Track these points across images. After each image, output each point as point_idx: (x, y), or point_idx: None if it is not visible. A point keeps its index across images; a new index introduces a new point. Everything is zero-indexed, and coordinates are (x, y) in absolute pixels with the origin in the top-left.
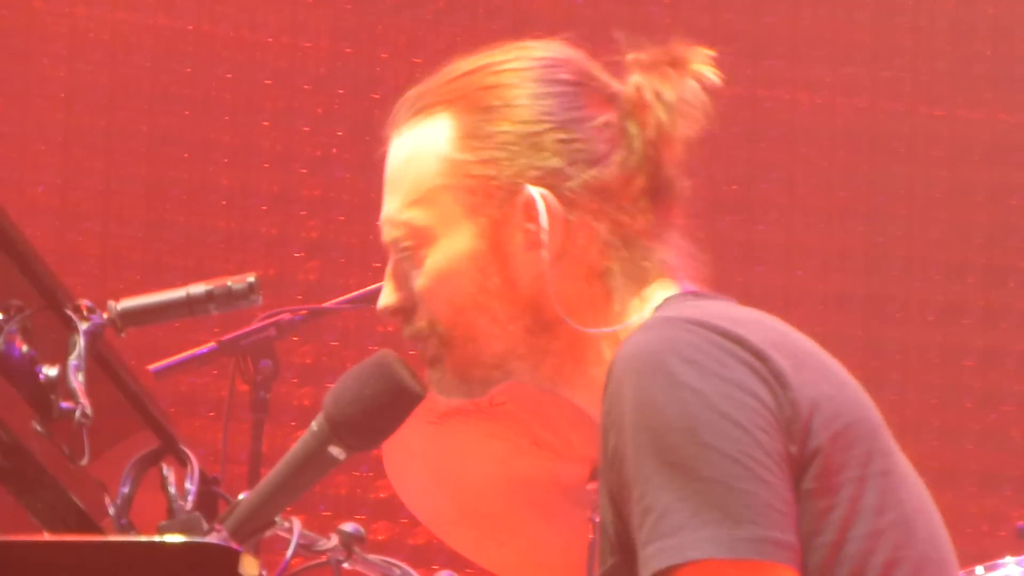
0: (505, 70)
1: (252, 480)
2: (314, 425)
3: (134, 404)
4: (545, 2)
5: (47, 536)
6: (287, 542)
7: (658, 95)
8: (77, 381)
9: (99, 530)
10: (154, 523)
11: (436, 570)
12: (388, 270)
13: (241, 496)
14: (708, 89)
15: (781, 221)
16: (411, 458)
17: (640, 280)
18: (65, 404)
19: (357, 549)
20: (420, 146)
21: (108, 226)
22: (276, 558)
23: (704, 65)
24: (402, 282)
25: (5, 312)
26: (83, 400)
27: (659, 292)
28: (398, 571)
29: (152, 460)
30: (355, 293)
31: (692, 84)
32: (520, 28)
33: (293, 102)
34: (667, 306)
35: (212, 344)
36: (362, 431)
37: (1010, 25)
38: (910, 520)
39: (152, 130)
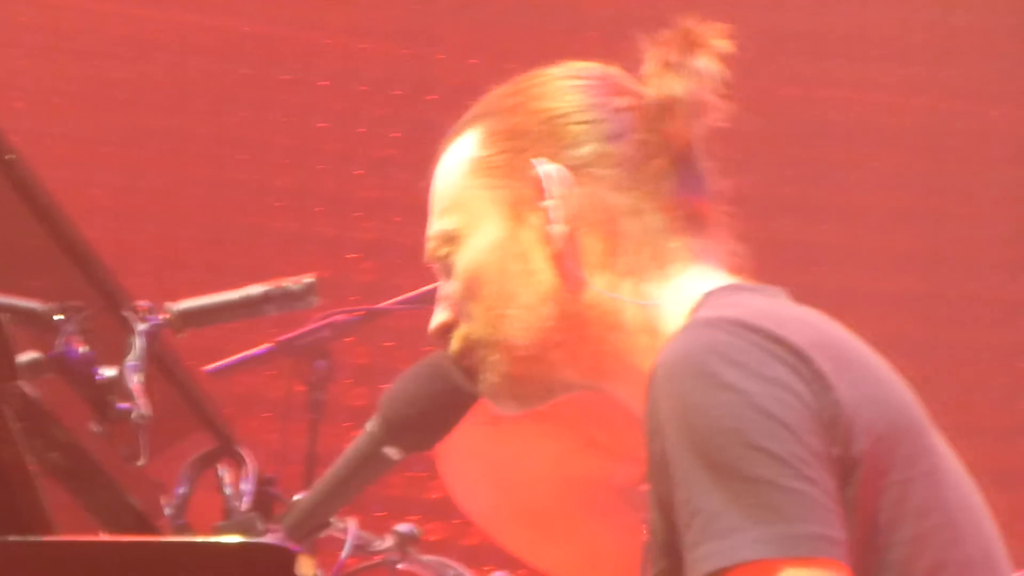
0: (530, 85)
1: (307, 481)
2: (369, 426)
3: (191, 405)
4: (601, 4)
5: (104, 536)
6: (342, 542)
7: (668, 63)
8: (135, 382)
9: (156, 530)
10: (210, 524)
11: (490, 571)
12: (438, 294)
13: (297, 497)
14: (723, 61)
15: (840, 221)
16: (465, 458)
17: (661, 258)
18: (122, 405)
19: (411, 550)
20: (452, 160)
21: (166, 227)
22: (331, 558)
23: (717, 39)
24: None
25: (64, 313)
26: (140, 401)
27: (695, 280)
28: (452, 572)
29: (209, 461)
30: (410, 294)
31: (705, 57)
32: (578, 29)
33: (350, 104)
34: (709, 303)
35: (268, 345)
36: (417, 432)
37: None
38: (956, 522)
39: (211, 131)
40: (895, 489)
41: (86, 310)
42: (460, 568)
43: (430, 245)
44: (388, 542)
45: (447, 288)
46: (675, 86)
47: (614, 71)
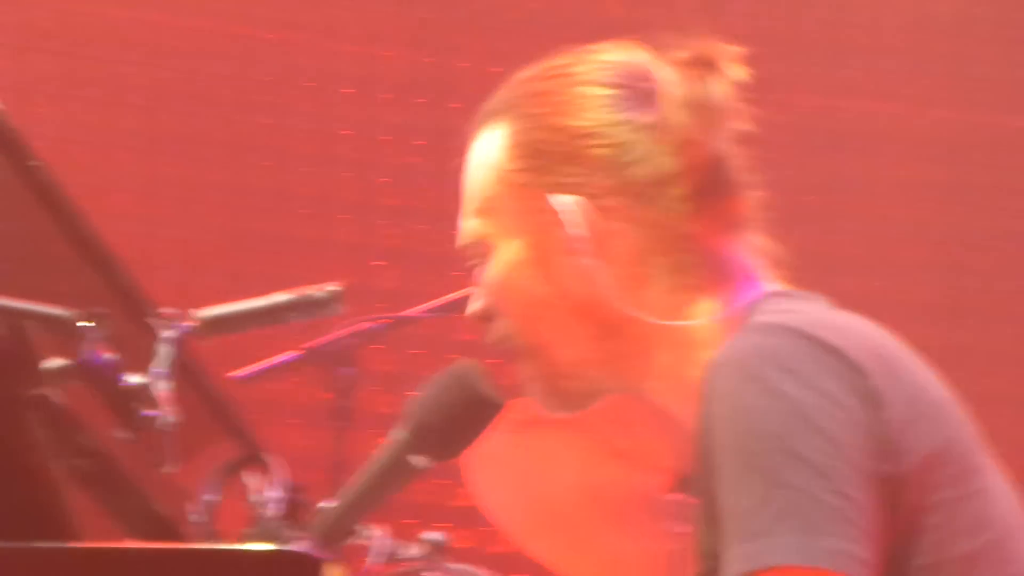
0: (554, 76)
1: (334, 488)
2: (396, 435)
3: (217, 412)
4: (623, 12)
5: (130, 543)
6: (369, 550)
7: (690, 100)
8: (160, 389)
9: (182, 538)
10: (237, 531)
11: None
12: (475, 277)
13: (324, 504)
14: (739, 87)
15: (860, 231)
16: (492, 466)
17: (693, 277)
18: (148, 412)
19: (439, 558)
20: (482, 156)
21: (190, 234)
22: (359, 566)
23: (733, 63)
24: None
25: (89, 319)
26: (166, 408)
27: (734, 292)
28: None
29: (235, 468)
30: (435, 302)
31: (720, 84)
32: (598, 37)
33: (373, 111)
34: (763, 309)
35: (295, 352)
36: (443, 441)
37: None
38: (1007, 539)
39: (233, 138)
40: (946, 507)
41: (111, 316)
42: None
43: (463, 240)
44: (416, 550)
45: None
46: (683, 115)
47: (641, 63)
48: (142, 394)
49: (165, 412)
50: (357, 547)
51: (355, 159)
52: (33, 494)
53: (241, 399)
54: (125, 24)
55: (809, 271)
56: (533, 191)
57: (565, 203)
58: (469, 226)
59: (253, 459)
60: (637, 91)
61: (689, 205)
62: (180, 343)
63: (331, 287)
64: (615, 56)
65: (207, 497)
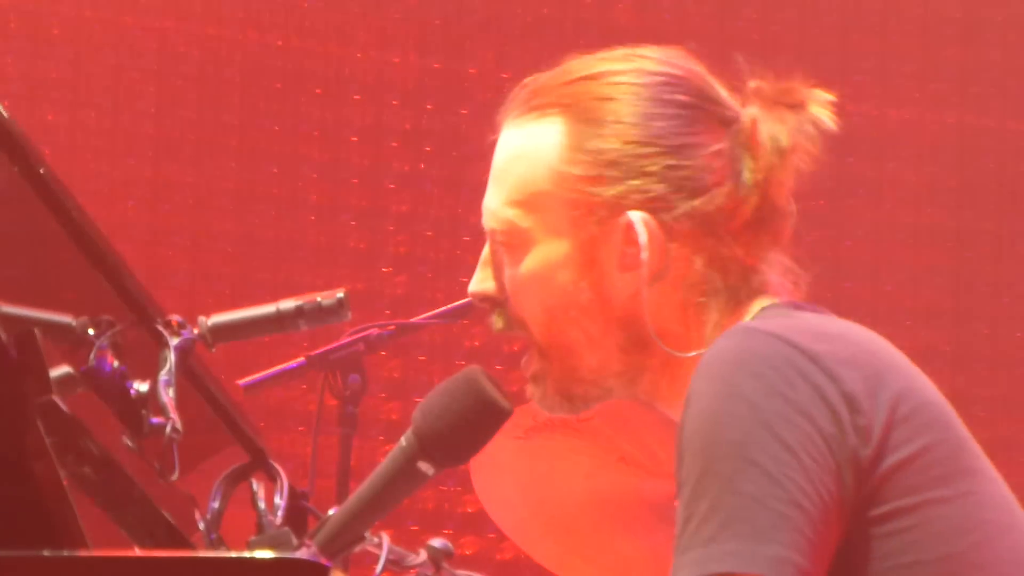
0: (621, 83)
1: (341, 495)
2: (403, 441)
3: (224, 419)
4: (632, 17)
5: (137, 551)
6: (376, 557)
7: (773, 138)
8: (167, 396)
9: (189, 545)
10: (244, 538)
11: None
12: (484, 255)
13: (330, 511)
14: (824, 133)
15: (869, 237)
16: (498, 473)
17: (737, 304)
18: (155, 419)
19: (445, 564)
20: (530, 147)
21: (198, 241)
22: (365, 573)
23: (823, 109)
24: (498, 270)
25: (96, 327)
26: (173, 415)
27: (756, 308)
28: None
29: (242, 475)
30: (443, 308)
31: (808, 129)
32: (607, 43)
33: (382, 117)
34: (759, 317)
35: (301, 359)
36: (450, 447)
37: None
38: (993, 541)
39: (242, 145)
40: (927, 508)
41: (118, 325)
42: None
43: (492, 222)
44: (422, 557)
45: (494, 258)
46: (772, 157)
47: (706, 85)
48: (150, 402)
49: (173, 420)
50: (364, 554)
51: (364, 165)
52: (40, 502)
53: (248, 406)
54: (134, 31)
55: (818, 276)
56: (594, 198)
57: (635, 217)
58: (504, 213)
59: (260, 466)
60: (709, 114)
61: (747, 235)
62: (188, 350)
63: (339, 293)
64: (676, 70)
65: (214, 504)
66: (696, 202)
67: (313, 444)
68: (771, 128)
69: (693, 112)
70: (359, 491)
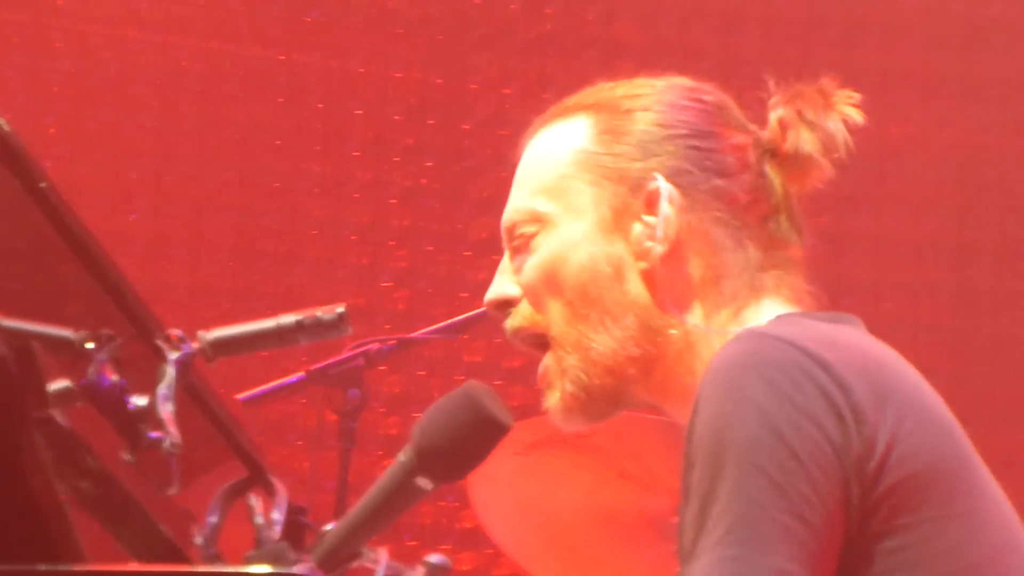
0: (646, 88)
1: (339, 509)
2: (401, 456)
3: (223, 433)
4: (635, 33)
5: (135, 566)
6: (373, 572)
7: (801, 114)
8: (166, 411)
9: (187, 560)
10: (242, 553)
11: None
12: (501, 266)
13: (328, 526)
14: (851, 129)
15: (870, 253)
16: (497, 489)
17: (755, 289)
18: (154, 434)
19: None
20: (556, 141)
21: (198, 255)
22: None
23: (850, 106)
24: (516, 275)
25: (95, 341)
26: (172, 430)
27: (775, 307)
28: None
29: (240, 490)
30: (443, 323)
31: (836, 117)
32: (611, 59)
33: (384, 132)
34: (774, 322)
35: (301, 373)
36: (449, 462)
37: None
38: (995, 560)
39: (243, 159)
40: (927, 526)
41: (117, 338)
42: None
43: (512, 215)
44: (419, 572)
45: (513, 262)
46: (808, 143)
47: (727, 100)
48: (148, 416)
49: (171, 434)
50: (362, 569)
51: (365, 180)
52: (38, 516)
53: (247, 420)
54: (136, 45)
55: (818, 291)
56: (618, 174)
57: (660, 183)
58: (526, 203)
59: (258, 481)
60: (732, 116)
61: (765, 229)
62: (187, 365)
63: (339, 308)
64: (699, 83)
65: (212, 519)
66: (719, 181)
67: (312, 459)
68: (798, 107)
69: (717, 109)
70: (357, 506)
